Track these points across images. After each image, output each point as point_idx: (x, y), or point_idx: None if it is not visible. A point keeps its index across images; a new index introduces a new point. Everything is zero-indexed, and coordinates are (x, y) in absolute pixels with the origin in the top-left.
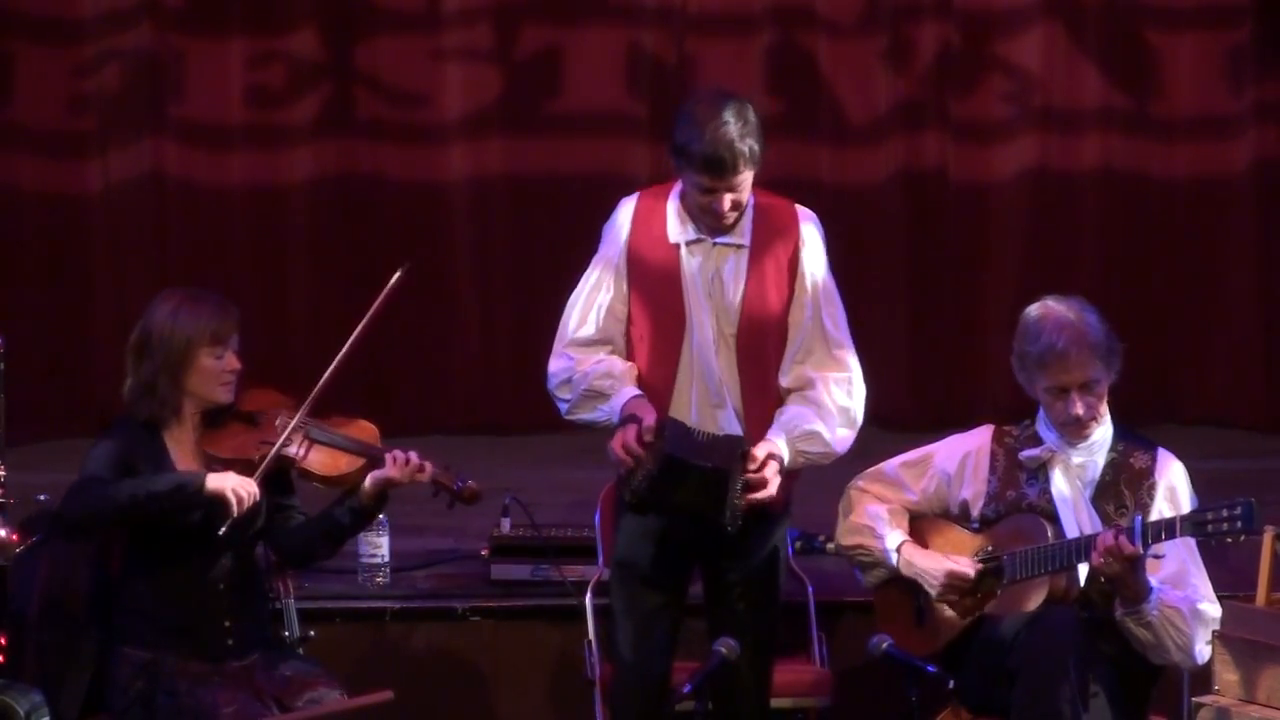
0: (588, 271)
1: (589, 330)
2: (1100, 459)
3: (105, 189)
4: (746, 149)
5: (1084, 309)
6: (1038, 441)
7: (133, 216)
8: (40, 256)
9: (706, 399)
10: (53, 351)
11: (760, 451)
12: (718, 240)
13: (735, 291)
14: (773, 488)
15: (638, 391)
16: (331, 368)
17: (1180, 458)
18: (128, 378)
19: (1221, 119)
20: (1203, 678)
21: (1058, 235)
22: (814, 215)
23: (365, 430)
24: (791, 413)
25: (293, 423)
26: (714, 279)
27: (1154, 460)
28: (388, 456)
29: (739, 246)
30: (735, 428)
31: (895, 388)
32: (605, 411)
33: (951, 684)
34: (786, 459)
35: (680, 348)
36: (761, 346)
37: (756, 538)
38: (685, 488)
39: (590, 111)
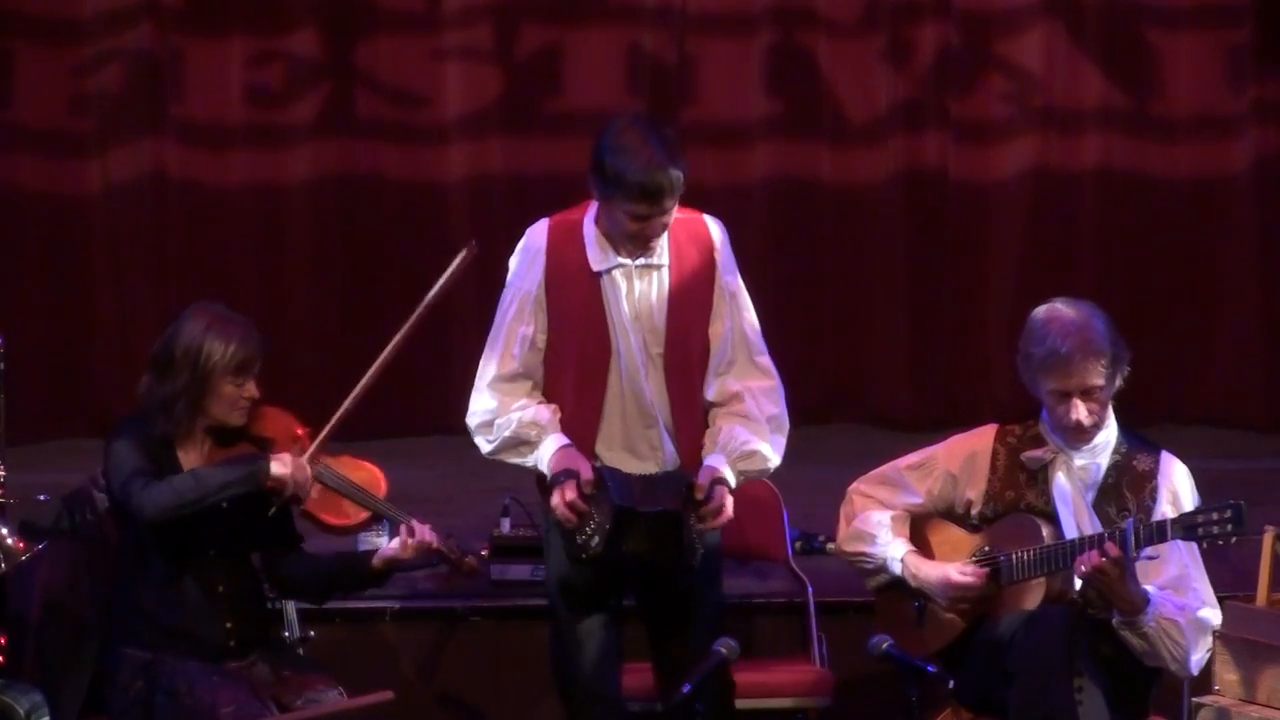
0: (504, 304)
1: (512, 365)
2: (1103, 461)
3: (105, 189)
4: (679, 174)
5: (1092, 314)
6: (1041, 442)
7: (133, 216)
8: (40, 256)
9: (638, 419)
10: (53, 351)
11: (705, 480)
12: (638, 263)
13: (660, 312)
14: (729, 510)
15: (565, 441)
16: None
17: (1180, 458)
18: (146, 383)
19: (1221, 119)
20: (1203, 678)
21: (1058, 235)
22: (719, 222)
23: (374, 480)
24: (726, 432)
25: (308, 452)
26: (639, 302)
27: (1157, 463)
28: (403, 529)
29: (658, 266)
30: (668, 445)
31: (895, 387)
32: (532, 459)
33: (951, 684)
34: (732, 482)
35: (607, 374)
36: (687, 362)
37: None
38: (637, 536)
39: (590, 111)
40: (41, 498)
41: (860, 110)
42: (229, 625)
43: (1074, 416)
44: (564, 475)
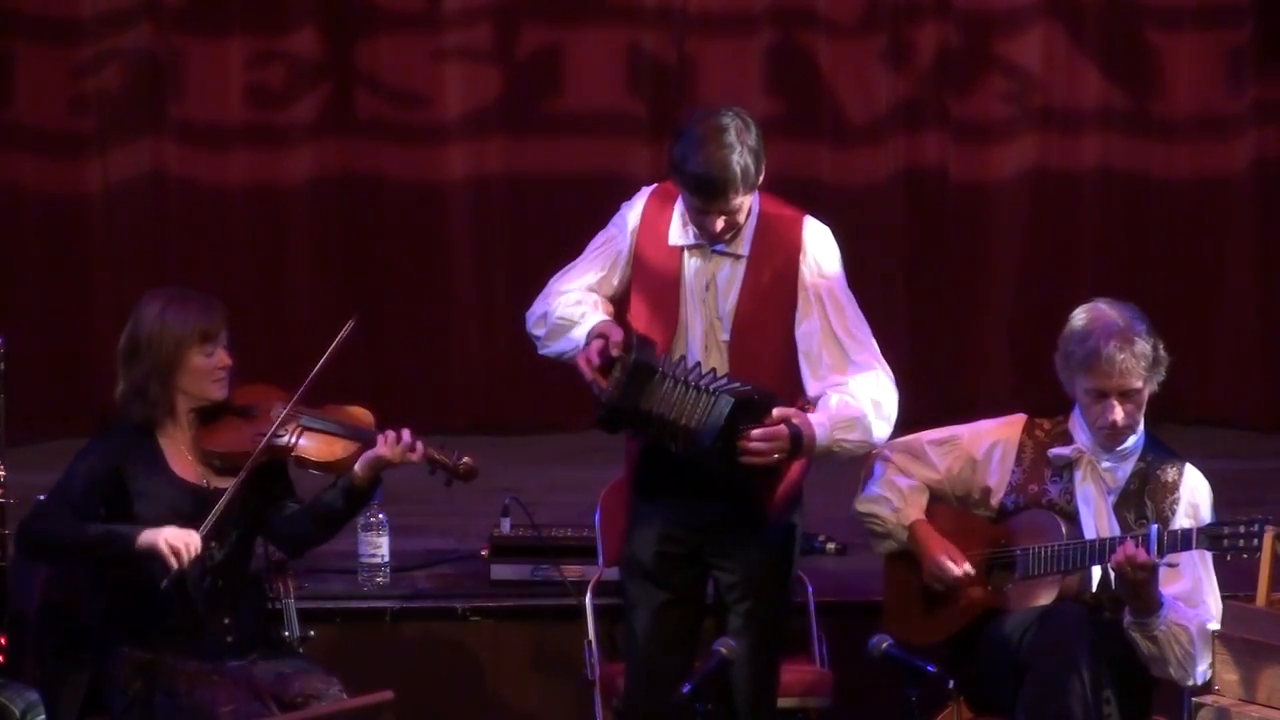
0: (592, 243)
1: (572, 283)
2: (1128, 466)
3: (105, 189)
4: (739, 174)
5: (1135, 317)
6: (1068, 440)
7: (133, 216)
8: (40, 256)
9: None
10: (53, 351)
11: (780, 414)
12: (716, 249)
13: (728, 300)
14: (771, 451)
15: (605, 318)
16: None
17: (1191, 464)
18: (119, 382)
19: (1221, 119)
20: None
21: (1058, 235)
22: (825, 228)
23: (359, 415)
24: (836, 402)
25: (285, 410)
26: (709, 286)
27: (1181, 475)
28: (379, 436)
29: (737, 256)
30: None
31: (895, 387)
32: (573, 340)
33: (951, 684)
34: (823, 442)
35: (671, 346)
36: (755, 353)
37: (754, 536)
38: (656, 397)
39: (590, 111)
40: (41, 498)
41: (860, 110)
42: (227, 624)
43: (1110, 417)
44: (593, 335)
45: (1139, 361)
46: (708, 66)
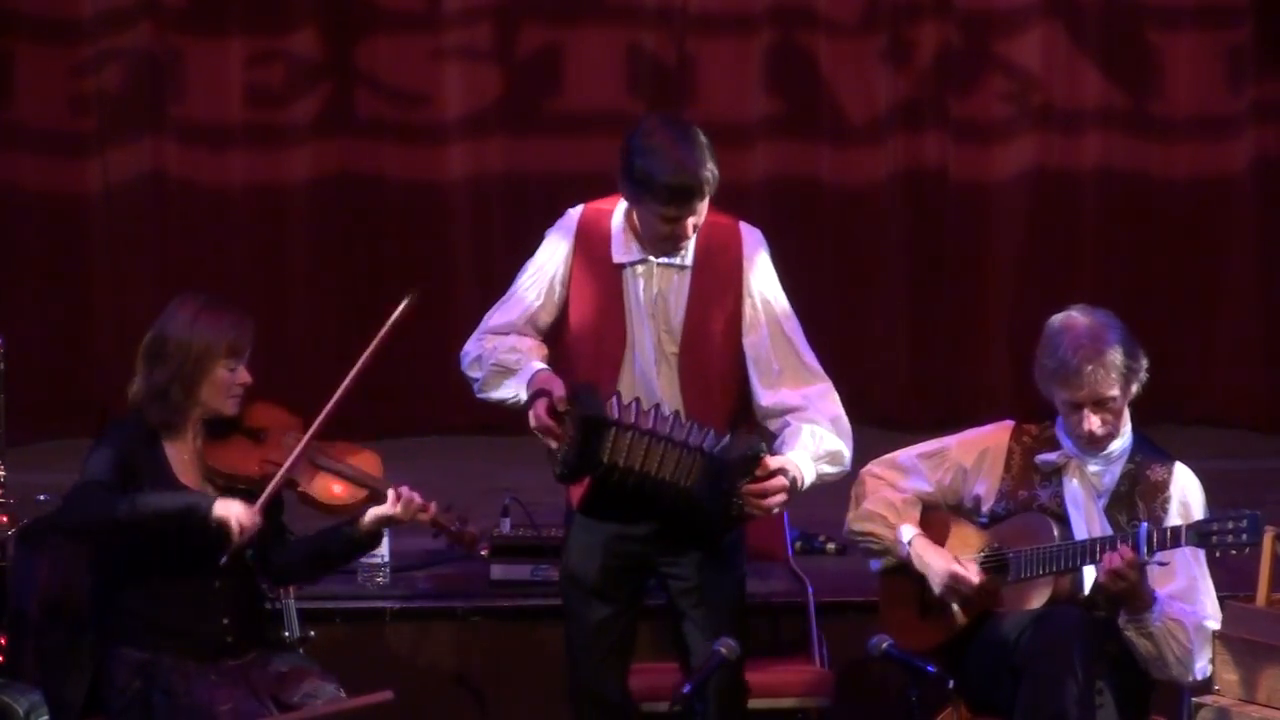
0: (522, 273)
1: (508, 321)
2: (1117, 469)
3: (105, 189)
4: (710, 175)
5: (1107, 325)
6: (1055, 445)
7: (133, 216)
8: (40, 256)
9: None
10: (53, 351)
11: (773, 464)
12: (660, 261)
13: (678, 311)
14: (770, 505)
15: (543, 366)
16: (340, 391)
17: (1181, 458)
18: (136, 379)
19: (1221, 119)
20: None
21: (1058, 235)
22: (758, 232)
23: (370, 462)
24: (809, 432)
25: (300, 446)
26: (657, 299)
27: (1170, 474)
28: (390, 493)
29: (682, 267)
30: None
31: (895, 387)
32: (512, 387)
33: (951, 684)
34: (810, 479)
35: (620, 368)
36: (705, 365)
37: (704, 541)
38: (618, 449)
39: (590, 111)
40: (41, 498)
41: (860, 110)
42: (226, 623)
43: (1086, 427)
44: (537, 395)
45: (1109, 372)
46: (708, 66)
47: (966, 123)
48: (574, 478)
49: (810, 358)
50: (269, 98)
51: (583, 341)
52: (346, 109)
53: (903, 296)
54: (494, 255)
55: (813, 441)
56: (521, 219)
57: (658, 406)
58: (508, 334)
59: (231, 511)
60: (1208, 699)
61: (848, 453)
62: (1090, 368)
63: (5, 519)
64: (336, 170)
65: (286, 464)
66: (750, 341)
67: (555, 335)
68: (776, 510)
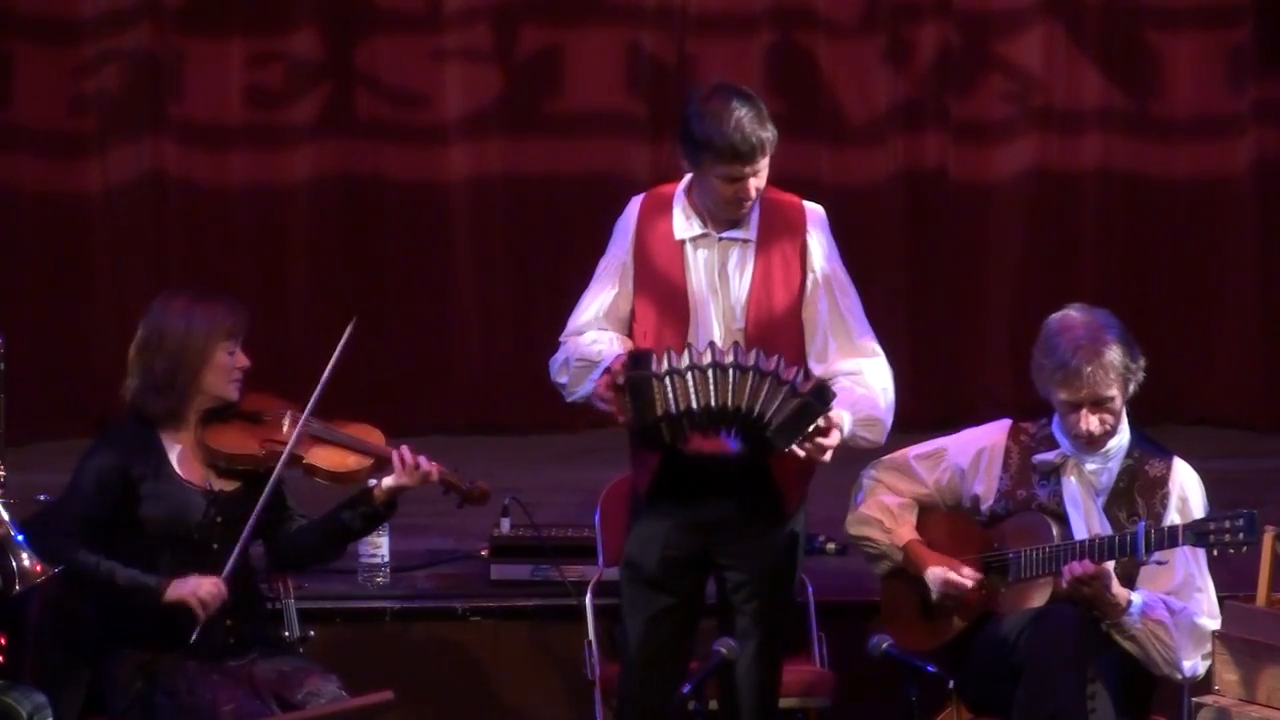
0: (597, 270)
1: (589, 319)
2: (1115, 466)
3: (105, 189)
4: (768, 133)
5: (1105, 324)
6: (1053, 444)
7: (133, 216)
8: (40, 256)
9: None
10: (53, 351)
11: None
12: (723, 235)
13: (741, 285)
14: (826, 448)
15: (622, 350)
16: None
17: (1181, 458)
18: (130, 379)
19: (1221, 119)
20: (1203, 678)
21: (1058, 235)
22: (821, 211)
23: (370, 432)
24: (858, 396)
25: (302, 419)
26: (720, 273)
27: (1169, 469)
28: (395, 460)
29: (745, 241)
30: None
31: (895, 387)
32: (594, 381)
33: (951, 684)
34: (846, 438)
35: (685, 345)
36: (770, 340)
37: (765, 537)
38: (665, 398)
39: (590, 111)
40: (41, 498)
41: (860, 110)
42: (228, 623)
43: (1084, 427)
44: (603, 374)
45: (1108, 372)
46: (707, 66)
47: (966, 123)
48: (647, 442)
49: (867, 336)
50: (269, 98)
51: (648, 319)
52: (346, 109)
53: (902, 297)
54: (494, 255)
55: (858, 402)
56: (521, 219)
57: (712, 344)
58: (586, 332)
59: (186, 589)
60: (1208, 699)
61: (885, 425)
62: (1089, 368)
63: (39, 569)
64: (336, 171)
65: (290, 441)
66: (809, 316)
67: (631, 319)
68: (826, 458)
